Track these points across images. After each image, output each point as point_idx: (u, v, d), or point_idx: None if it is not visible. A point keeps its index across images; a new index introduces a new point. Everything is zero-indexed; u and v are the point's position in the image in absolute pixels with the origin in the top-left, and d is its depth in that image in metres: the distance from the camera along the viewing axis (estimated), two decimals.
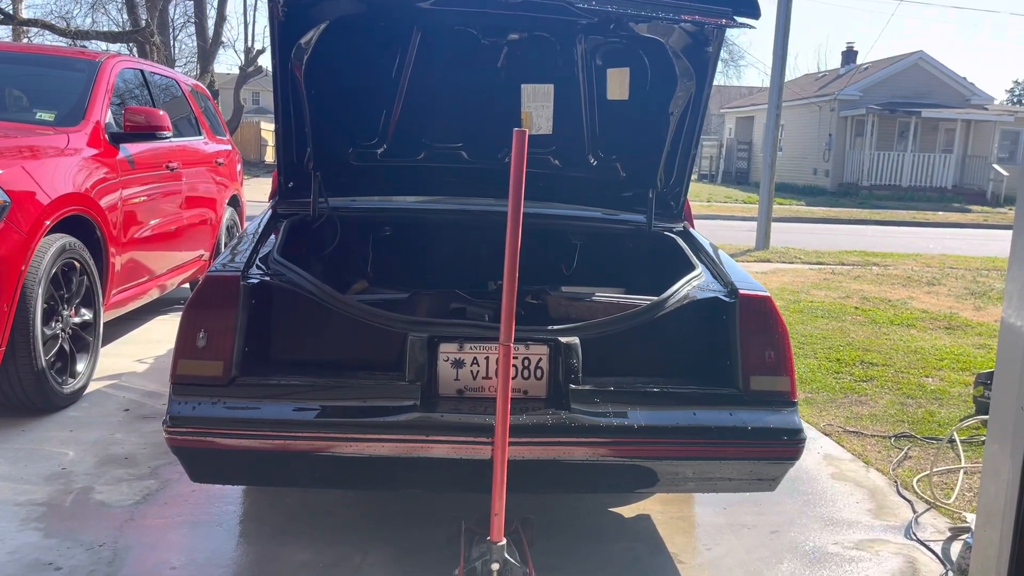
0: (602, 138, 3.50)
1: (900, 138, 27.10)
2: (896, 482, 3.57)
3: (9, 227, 3.57)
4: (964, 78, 27.82)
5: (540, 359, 2.45)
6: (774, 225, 13.10)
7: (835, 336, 6.29)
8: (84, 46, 18.20)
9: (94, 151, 4.45)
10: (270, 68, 3.17)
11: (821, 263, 11.01)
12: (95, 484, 3.18)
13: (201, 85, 7.38)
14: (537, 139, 3.32)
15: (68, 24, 19.27)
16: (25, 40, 18.40)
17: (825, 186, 27.39)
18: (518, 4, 3.04)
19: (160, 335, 5.48)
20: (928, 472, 3.59)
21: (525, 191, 2.13)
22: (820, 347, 5.89)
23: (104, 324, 4.47)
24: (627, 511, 3.16)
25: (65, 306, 4.04)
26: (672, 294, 2.65)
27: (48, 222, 3.80)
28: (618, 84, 3.28)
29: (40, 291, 3.72)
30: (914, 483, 3.53)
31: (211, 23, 21.85)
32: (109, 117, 4.77)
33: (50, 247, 3.81)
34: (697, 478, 2.50)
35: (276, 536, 2.84)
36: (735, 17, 2.92)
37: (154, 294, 5.42)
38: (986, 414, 2.65)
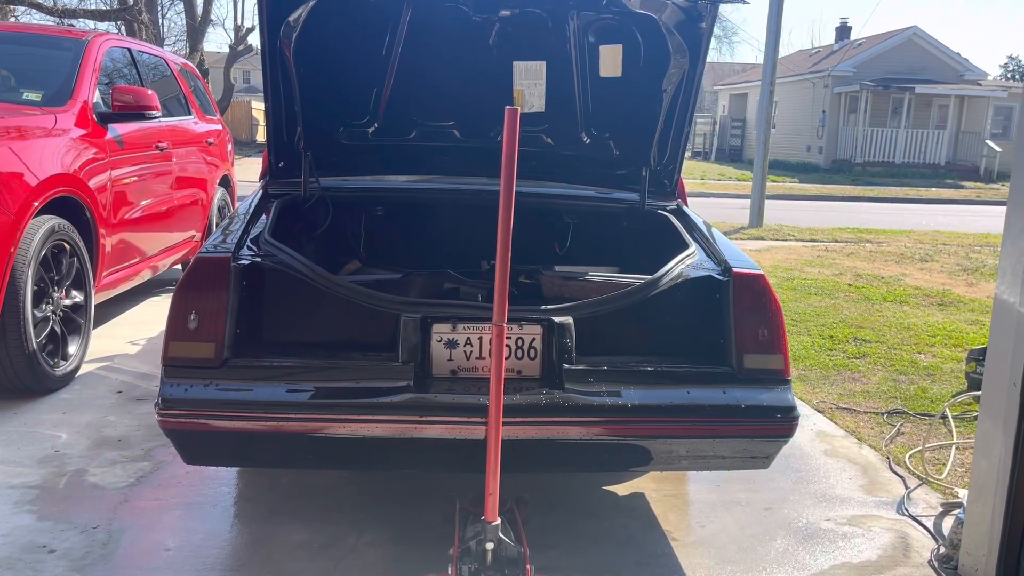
0: (595, 116, 3.48)
1: (893, 114, 27.06)
2: (888, 458, 3.58)
3: None
4: (958, 53, 27.74)
5: (534, 339, 2.44)
6: (768, 202, 13.10)
7: (828, 313, 6.31)
8: (71, 25, 18.01)
9: (82, 131, 4.41)
10: (260, 47, 3.13)
11: (814, 240, 11.02)
12: (89, 466, 3.17)
13: (190, 64, 7.30)
14: (529, 117, 3.28)
15: (55, 2, 19.03)
16: (12, 19, 18.18)
17: (818, 163, 27.36)
18: None
19: (152, 316, 5.45)
20: (920, 448, 3.61)
21: (518, 170, 2.11)
22: (813, 324, 5.91)
23: (95, 306, 4.45)
24: (621, 489, 3.17)
25: (55, 288, 4.01)
26: (665, 273, 2.64)
27: (36, 203, 3.77)
28: (611, 61, 3.25)
29: (30, 273, 3.70)
30: (906, 459, 3.55)
31: (200, 1, 21.60)
32: (97, 97, 4.71)
33: (39, 229, 3.77)
34: (691, 456, 2.50)
35: (271, 517, 2.84)
36: None
37: (146, 275, 5.39)
38: (978, 390, 2.66)
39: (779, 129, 27.90)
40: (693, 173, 22.57)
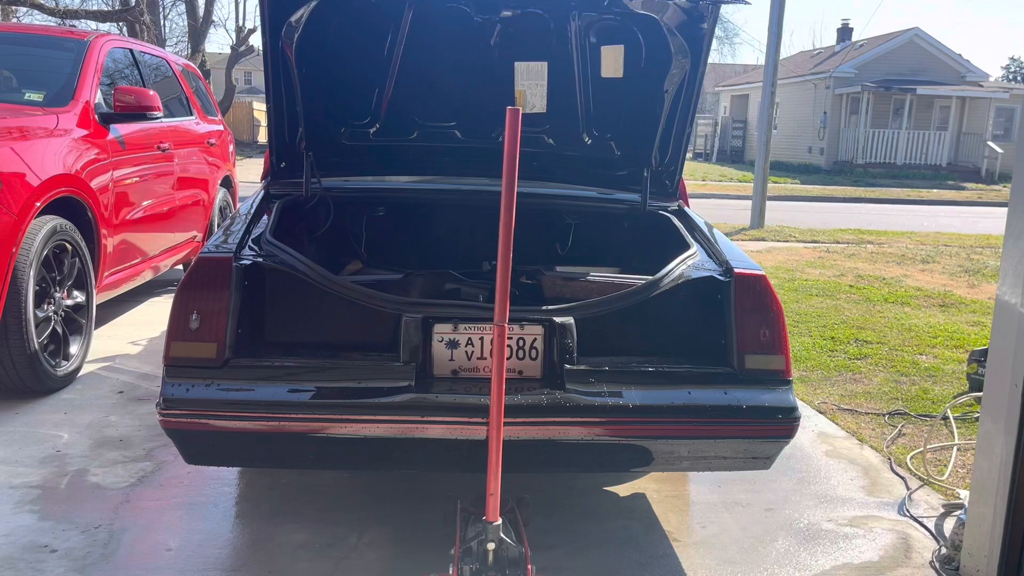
0: (597, 117, 3.48)
1: (895, 116, 27.04)
2: (890, 459, 3.58)
3: None
4: (959, 55, 27.73)
5: (535, 339, 2.44)
6: (769, 203, 13.10)
7: (830, 314, 6.30)
8: (73, 25, 18.02)
9: (84, 132, 4.41)
10: (261, 47, 3.13)
11: (816, 241, 11.02)
12: (90, 466, 3.18)
13: (192, 65, 7.31)
14: (531, 118, 3.28)
15: (57, 3, 19.06)
16: (14, 20, 18.20)
17: (820, 164, 27.34)
18: None
19: (153, 317, 5.46)
20: (922, 449, 3.60)
21: (519, 170, 2.11)
22: (815, 325, 5.90)
23: (97, 306, 4.45)
24: (622, 490, 3.17)
25: (57, 288, 4.01)
26: (667, 273, 2.64)
27: (38, 204, 3.77)
28: (612, 62, 3.25)
29: (32, 273, 3.70)
30: (908, 460, 3.54)
31: (202, 2, 21.64)
32: (99, 97, 4.72)
33: (41, 229, 3.78)
34: (692, 457, 2.50)
35: (272, 517, 2.84)
36: None
37: (147, 276, 5.39)
38: (980, 391, 2.65)
39: (780, 130, 27.91)
40: (694, 174, 22.56)
